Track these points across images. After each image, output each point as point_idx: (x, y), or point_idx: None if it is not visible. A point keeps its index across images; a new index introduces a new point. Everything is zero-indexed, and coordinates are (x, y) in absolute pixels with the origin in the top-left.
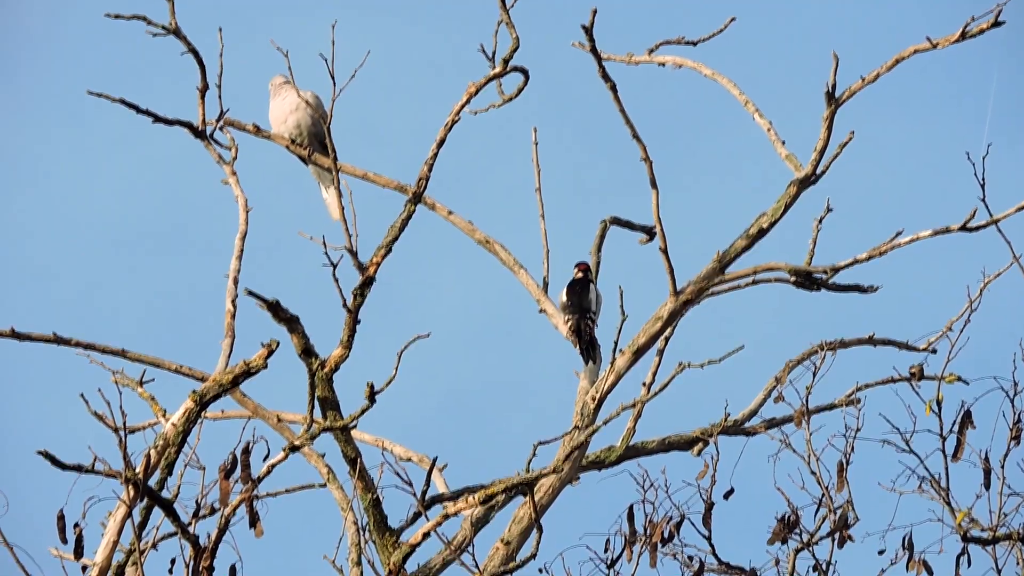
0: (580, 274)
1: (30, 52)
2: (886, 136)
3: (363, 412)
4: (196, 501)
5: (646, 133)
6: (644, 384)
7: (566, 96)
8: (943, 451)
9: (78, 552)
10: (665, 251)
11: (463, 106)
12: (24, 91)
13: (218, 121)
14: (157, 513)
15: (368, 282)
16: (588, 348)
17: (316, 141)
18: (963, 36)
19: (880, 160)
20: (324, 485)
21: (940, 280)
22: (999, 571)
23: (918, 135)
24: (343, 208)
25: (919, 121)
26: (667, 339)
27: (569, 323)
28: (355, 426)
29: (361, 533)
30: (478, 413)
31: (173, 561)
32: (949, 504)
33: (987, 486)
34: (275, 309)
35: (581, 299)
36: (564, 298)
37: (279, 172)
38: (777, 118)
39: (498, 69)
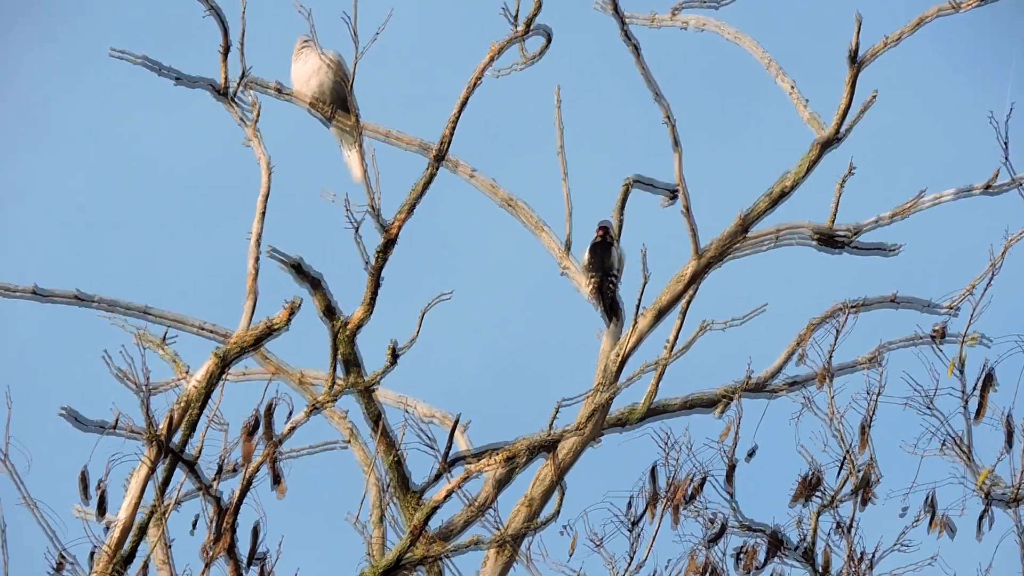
0: (601, 234)
1: (52, 12)
2: (909, 97)
3: (385, 371)
4: (219, 460)
5: (669, 94)
6: (667, 344)
7: (589, 57)
8: (965, 411)
9: (101, 510)
10: (688, 211)
11: (486, 67)
12: (44, 52)
13: (240, 81)
14: (180, 472)
15: (390, 242)
16: (610, 308)
17: (338, 102)
18: None
19: (903, 121)
20: (347, 444)
21: (963, 241)
22: (1021, 531)
23: (941, 96)
24: (366, 168)
25: (942, 82)
26: (690, 299)
27: (591, 284)
28: (377, 385)
29: (384, 492)
30: (500, 373)
31: (195, 520)
32: (971, 465)
33: (1009, 446)
34: (297, 269)
35: (603, 260)
36: (586, 259)
37: (301, 133)
38: (800, 79)
39: (520, 30)
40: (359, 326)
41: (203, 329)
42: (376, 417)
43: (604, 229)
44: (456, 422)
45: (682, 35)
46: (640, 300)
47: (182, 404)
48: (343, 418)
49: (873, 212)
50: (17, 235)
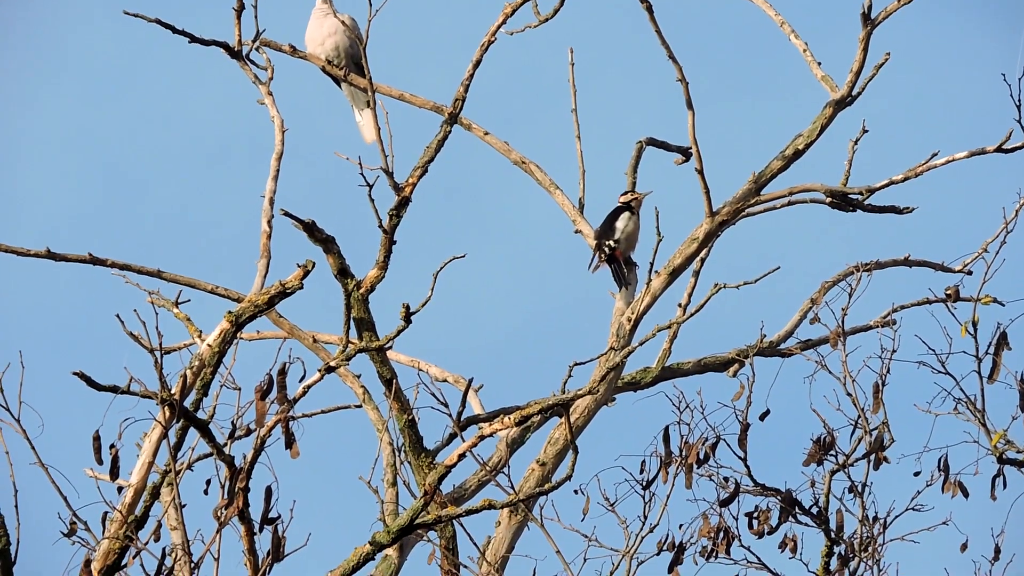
0: (623, 200)
1: None
2: (921, 57)
3: (399, 333)
4: (232, 422)
5: (682, 55)
6: (680, 305)
7: (603, 17)
8: (979, 372)
9: (114, 473)
10: (701, 172)
11: (499, 26)
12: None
13: (254, 41)
14: (193, 434)
15: (404, 202)
16: (617, 271)
17: (353, 63)
18: None
19: (916, 81)
20: (360, 406)
21: (976, 201)
22: None
23: (953, 56)
24: (379, 129)
25: (954, 42)
26: (703, 260)
27: (595, 244)
28: (391, 347)
29: (397, 454)
30: (513, 334)
31: (209, 482)
32: (985, 426)
33: (1023, 408)
34: (311, 229)
35: (607, 225)
36: (599, 228)
37: (314, 94)
38: (812, 39)
39: None
40: (373, 287)
41: (216, 291)
42: (389, 379)
43: (627, 196)
44: (469, 384)
45: None
46: (653, 261)
47: (195, 365)
48: (356, 379)
49: (886, 173)
50: (31, 195)
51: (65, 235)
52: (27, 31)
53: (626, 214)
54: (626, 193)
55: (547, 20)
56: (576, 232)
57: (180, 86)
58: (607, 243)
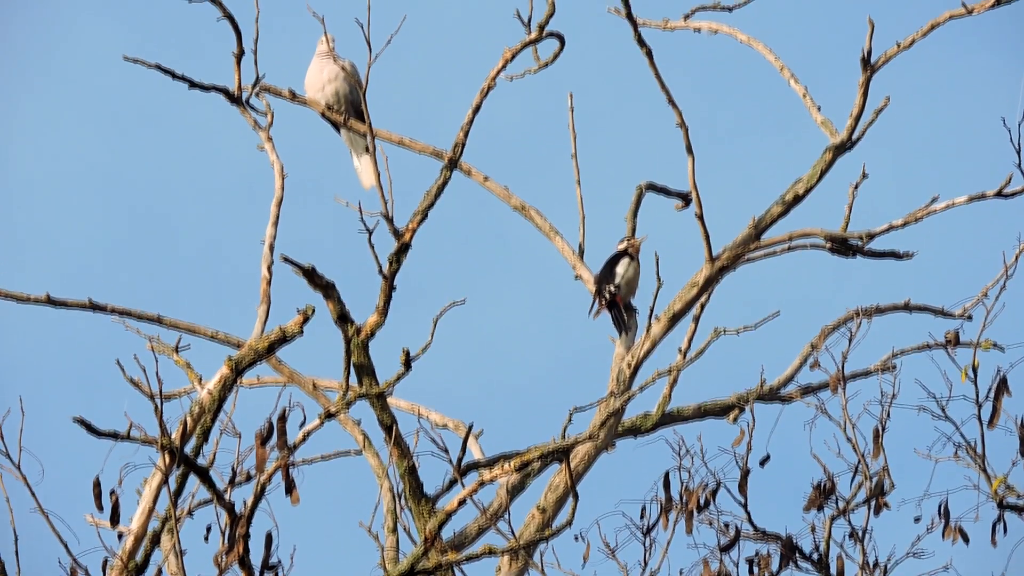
0: (621, 246)
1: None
2: (921, 102)
3: (399, 378)
4: (232, 468)
5: (682, 96)
6: (680, 350)
7: (603, 61)
8: (979, 418)
9: (114, 519)
10: (701, 217)
11: (499, 72)
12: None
13: (254, 87)
14: (193, 480)
15: (404, 248)
16: (617, 316)
17: (352, 109)
18: (998, 2)
19: (916, 126)
20: (360, 452)
21: (976, 246)
22: None
23: (954, 101)
24: (379, 174)
25: (954, 87)
26: (703, 305)
27: (595, 289)
28: (391, 393)
29: (397, 500)
30: (514, 379)
31: (209, 528)
32: (985, 471)
33: (1023, 453)
34: (311, 275)
35: (608, 269)
36: (599, 274)
37: (313, 138)
38: (812, 83)
39: (534, 35)
40: (372, 333)
41: (216, 337)
42: (389, 424)
43: (625, 241)
44: (469, 430)
45: (696, 37)
46: (653, 306)
47: (195, 412)
48: (356, 425)
49: (887, 217)
50: (30, 243)
51: (64, 285)
52: (30, 61)
53: (626, 259)
54: (624, 240)
55: (547, 65)
56: (576, 278)
57: (179, 130)
58: (608, 288)
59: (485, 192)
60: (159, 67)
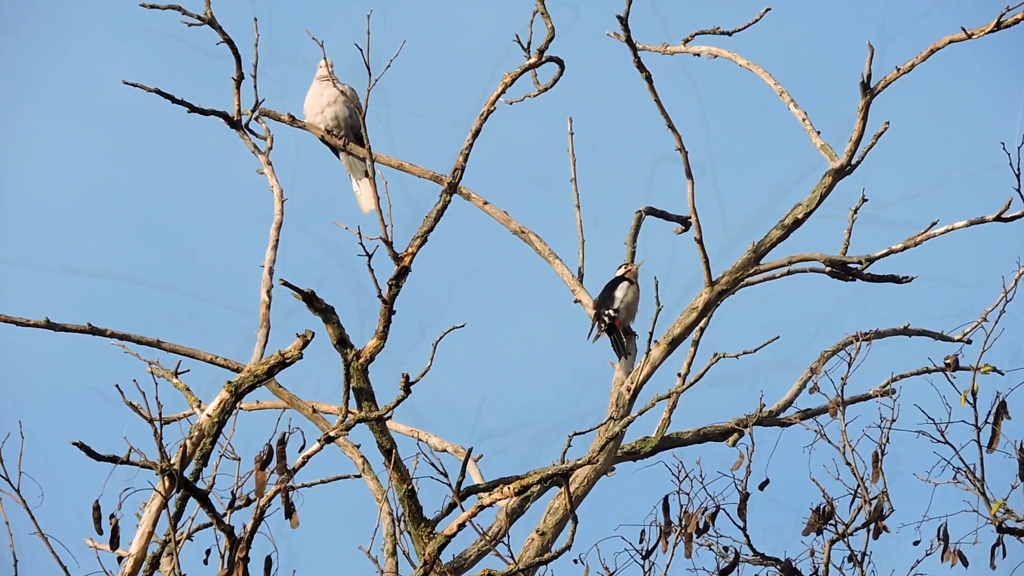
0: (620, 272)
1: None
2: (921, 126)
3: (398, 403)
4: (231, 492)
5: (682, 123)
6: (679, 375)
7: (602, 84)
8: (978, 442)
9: (114, 543)
10: (700, 241)
11: (499, 96)
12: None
13: (253, 111)
14: (192, 504)
15: (403, 272)
16: (616, 341)
17: (352, 133)
18: (998, 26)
19: (915, 150)
20: (359, 476)
21: (975, 270)
22: None
23: (953, 125)
24: (378, 198)
25: (954, 111)
26: (702, 329)
27: (594, 314)
28: (390, 417)
29: (396, 524)
30: (513, 402)
31: (208, 552)
32: (984, 495)
33: (1022, 477)
34: (310, 300)
35: (607, 293)
36: (598, 299)
37: (312, 163)
38: (811, 108)
39: (533, 59)
40: (372, 357)
41: (215, 362)
42: (389, 448)
43: (624, 267)
44: (469, 453)
45: (696, 63)
46: (653, 330)
47: (195, 435)
48: (356, 448)
49: (886, 241)
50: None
51: (63, 308)
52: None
53: (624, 284)
54: (623, 265)
55: (546, 90)
56: (575, 302)
57: (180, 152)
58: (606, 313)
59: (484, 217)
60: (158, 91)
